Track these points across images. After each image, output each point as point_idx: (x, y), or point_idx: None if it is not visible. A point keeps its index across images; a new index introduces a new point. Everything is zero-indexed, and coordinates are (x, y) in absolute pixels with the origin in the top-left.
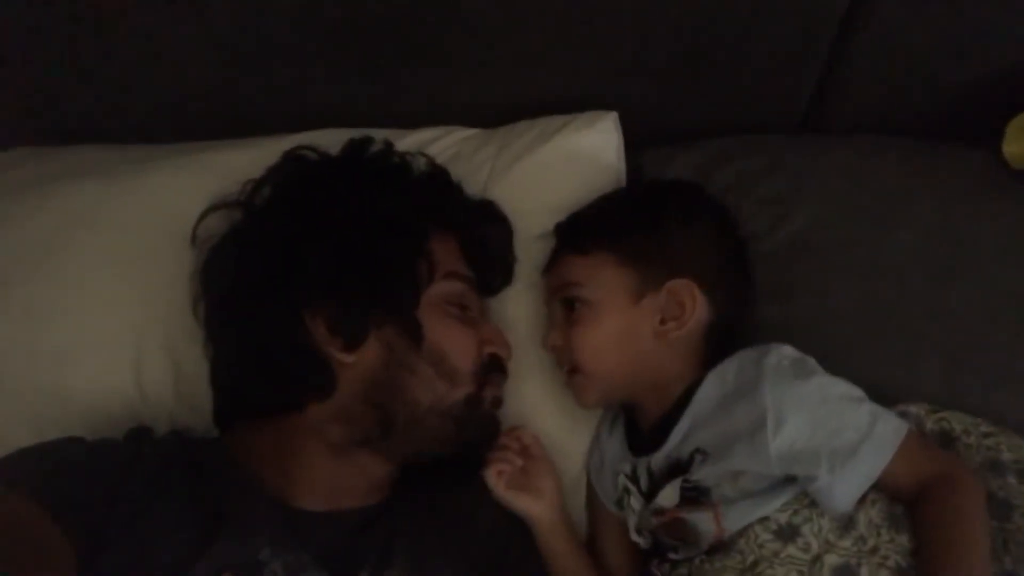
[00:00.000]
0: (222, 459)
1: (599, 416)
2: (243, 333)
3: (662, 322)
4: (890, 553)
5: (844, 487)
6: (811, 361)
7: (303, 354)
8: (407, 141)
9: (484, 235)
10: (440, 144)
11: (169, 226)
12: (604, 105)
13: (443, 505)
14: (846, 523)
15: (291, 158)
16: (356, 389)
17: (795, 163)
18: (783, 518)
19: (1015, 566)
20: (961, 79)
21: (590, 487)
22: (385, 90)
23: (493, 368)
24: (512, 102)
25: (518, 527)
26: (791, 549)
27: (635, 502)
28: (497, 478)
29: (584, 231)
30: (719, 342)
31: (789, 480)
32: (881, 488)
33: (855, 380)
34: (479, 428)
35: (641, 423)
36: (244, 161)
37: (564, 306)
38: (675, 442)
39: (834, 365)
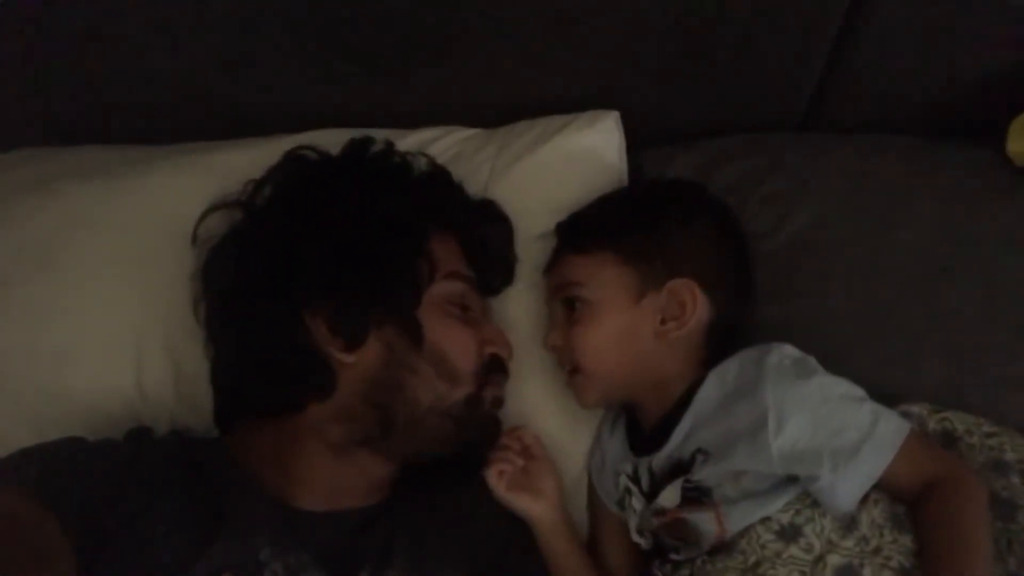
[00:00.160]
0: (222, 459)
1: (600, 416)
2: (243, 333)
3: (663, 322)
4: (893, 553)
5: (846, 487)
6: (812, 361)
7: (303, 354)
8: (408, 141)
9: (485, 235)
10: (441, 144)
11: (169, 226)
12: (604, 105)
13: (443, 505)
14: (848, 523)
15: (291, 158)
16: (356, 389)
17: (796, 163)
18: (785, 518)
19: (1019, 567)
20: (963, 78)
21: (591, 487)
22: (385, 90)
23: (494, 368)
24: (512, 102)
25: (518, 527)
26: (793, 549)
27: (636, 502)
28: (498, 478)
29: (585, 231)
30: (720, 342)
31: (791, 480)
32: (883, 488)
33: (856, 380)
34: (480, 428)
35: (642, 423)
36: (244, 161)
37: (565, 306)
38: (676, 442)
39: (835, 365)
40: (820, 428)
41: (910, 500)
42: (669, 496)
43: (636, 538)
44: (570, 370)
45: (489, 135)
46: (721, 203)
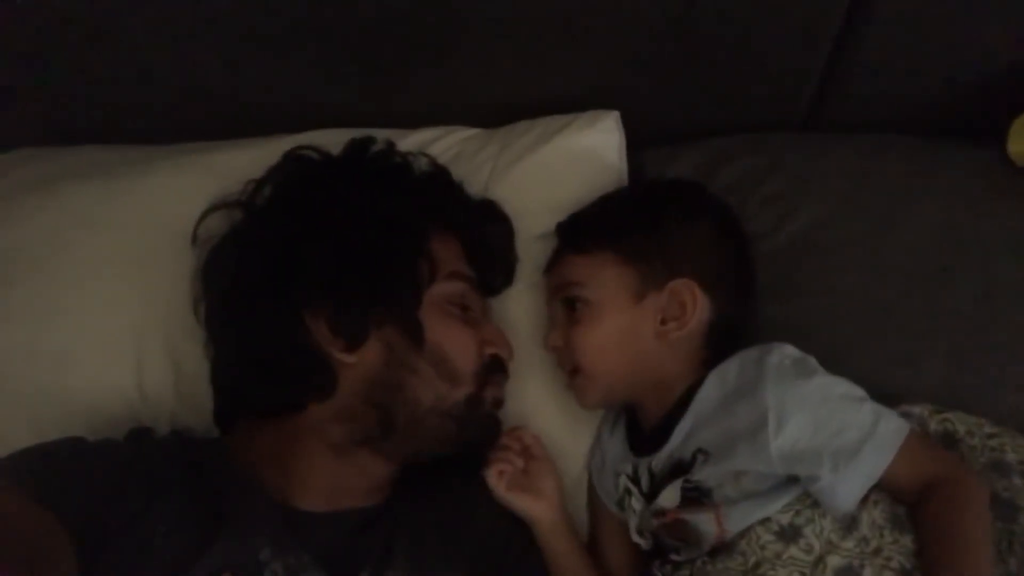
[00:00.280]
0: (222, 459)
1: (600, 416)
2: (244, 333)
3: (663, 322)
4: (893, 554)
5: (846, 487)
6: (812, 361)
7: (304, 354)
8: (408, 141)
9: (485, 235)
10: (441, 144)
11: (169, 226)
12: (605, 104)
13: (444, 506)
14: (849, 524)
15: (292, 158)
16: (357, 389)
17: (797, 162)
18: (785, 519)
19: (1020, 568)
20: (963, 78)
21: (591, 487)
22: (385, 90)
23: (494, 369)
24: (512, 102)
25: (519, 527)
26: (793, 550)
27: (636, 503)
28: (498, 478)
29: (585, 231)
30: (721, 342)
31: (791, 480)
32: (883, 488)
33: (857, 380)
34: (480, 428)
35: (643, 423)
36: (244, 161)
37: (565, 306)
38: (677, 442)
39: (835, 365)
40: (820, 428)
41: (910, 501)
42: (669, 496)
43: (636, 538)
44: (570, 371)
45: (489, 135)
46: (721, 203)
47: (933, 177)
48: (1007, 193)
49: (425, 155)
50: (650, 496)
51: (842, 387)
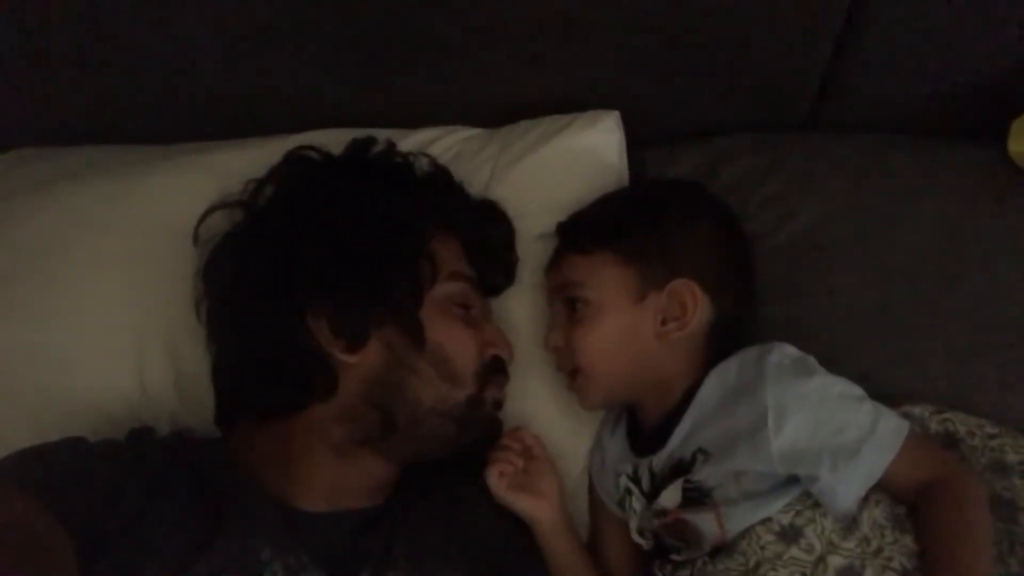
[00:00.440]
0: (223, 459)
1: (601, 417)
2: (245, 333)
3: (664, 322)
4: (894, 554)
5: (846, 486)
6: (812, 360)
7: (305, 354)
8: (409, 141)
9: (486, 235)
10: (442, 144)
11: (170, 226)
12: (605, 104)
13: (444, 506)
14: (849, 524)
15: (293, 158)
16: (358, 389)
17: (798, 162)
18: (785, 519)
19: (1021, 568)
20: (963, 78)
21: (592, 488)
22: (385, 90)
23: (495, 370)
24: (512, 102)
25: (519, 528)
26: (794, 550)
27: (637, 503)
28: (498, 479)
29: (586, 231)
30: (721, 342)
31: (791, 480)
32: (883, 488)
33: (858, 380)
34: (480, 429)
35: (643, 423)
36: (244, 161)
37: (566, 306)
38: (677, 442)
39: (836, 365)
40: (820, 427)
41: (910, 500)
42: (670, 496)
43: (637, 539)
44: (570, 372)
45: (490, 135)
46: (722, 203)
47: (933, 177)
48: (1007, 193)
49: (426, 155)
50: (651, 496)
51: (841, 386)
